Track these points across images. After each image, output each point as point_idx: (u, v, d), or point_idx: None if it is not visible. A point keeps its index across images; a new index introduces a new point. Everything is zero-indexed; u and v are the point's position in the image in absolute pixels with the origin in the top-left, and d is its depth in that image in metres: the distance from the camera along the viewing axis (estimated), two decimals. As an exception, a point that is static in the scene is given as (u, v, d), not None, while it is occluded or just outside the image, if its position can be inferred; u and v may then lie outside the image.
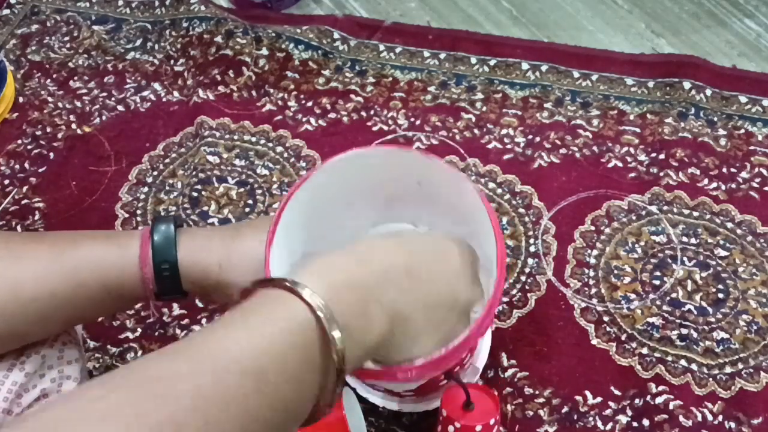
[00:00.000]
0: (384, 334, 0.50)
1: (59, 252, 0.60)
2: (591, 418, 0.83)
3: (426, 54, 1.16)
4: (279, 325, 0.44)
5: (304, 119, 1.09)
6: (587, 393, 0.84)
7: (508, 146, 1.04)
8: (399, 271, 0.52)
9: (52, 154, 1.08)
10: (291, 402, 0.43)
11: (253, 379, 0.41)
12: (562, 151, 1.04)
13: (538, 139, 1.05)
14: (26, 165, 1.07)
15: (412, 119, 1.08)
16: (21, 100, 1.14)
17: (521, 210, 0.98)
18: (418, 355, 0.54)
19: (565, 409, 0.83)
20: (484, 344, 0.81)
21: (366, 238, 0.56)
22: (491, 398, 0.73)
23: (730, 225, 0.96)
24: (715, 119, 1.05)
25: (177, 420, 0.38)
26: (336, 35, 1.18)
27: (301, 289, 0.45)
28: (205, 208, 1.01)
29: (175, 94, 1.13)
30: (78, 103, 1.13)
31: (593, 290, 0.91)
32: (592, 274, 0.93)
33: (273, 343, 0.43)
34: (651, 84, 1.10)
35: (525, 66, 1.13)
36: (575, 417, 0.83)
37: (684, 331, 0.88)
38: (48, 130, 1.11)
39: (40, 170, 1.06)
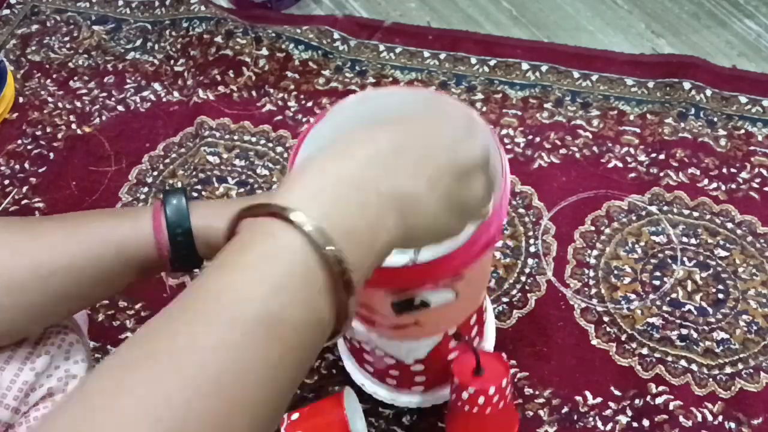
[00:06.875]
0: (397, 225, 0.47)
1: (73, 227, 0.61)
2: (591, 419, 0.83)
3: (426, 54, 1.16)
4: (278, 260, 0.42)
5: (304, 119, 1.09)
6: (587, 393, 0.84)
7: (508, 146, 1.04)
8: (385, 152, 0.48)
9: (52, 154, 1.08)
10: (309, 327, 0.42)
11: (268, 324, 0.40)
12: (562, 151, 1.04)
13: (538, 139, 1.05)
14: (26, 165, 1.07)
15: (412, 119, 1.08)
16: (21, 100, 1.14)
17: (521, 210, 0.98)
18: (444, 232, 0.52)
19: (565, 410, 0.83)
20: (489, 330, 0.81)
21: (344, 133, 0.52)
22: (500, 361, 0.73)
23: (730, 225, 0.96)
24: (715, 119, 1.05)
25: (204, 392, 0.37)
26: (336, 35, 1.18)
27: (290, 213, 0.43)
28: (205, 208, 1.01)
29: (175, 94, 1.13)
30: (78, 103, 1.13)
31: (593, 290, 0.91)
32: (592, 274, 0.93)
33: (276, 284, 0.41)
34: (651, 84, 1.10)
35: (525, 66, 1.13)
36: (575, 417, 0.83)
37: (684, 331, 0.88)
38: (48, 130, 1.11)
39: (40, 170, 1.06)
